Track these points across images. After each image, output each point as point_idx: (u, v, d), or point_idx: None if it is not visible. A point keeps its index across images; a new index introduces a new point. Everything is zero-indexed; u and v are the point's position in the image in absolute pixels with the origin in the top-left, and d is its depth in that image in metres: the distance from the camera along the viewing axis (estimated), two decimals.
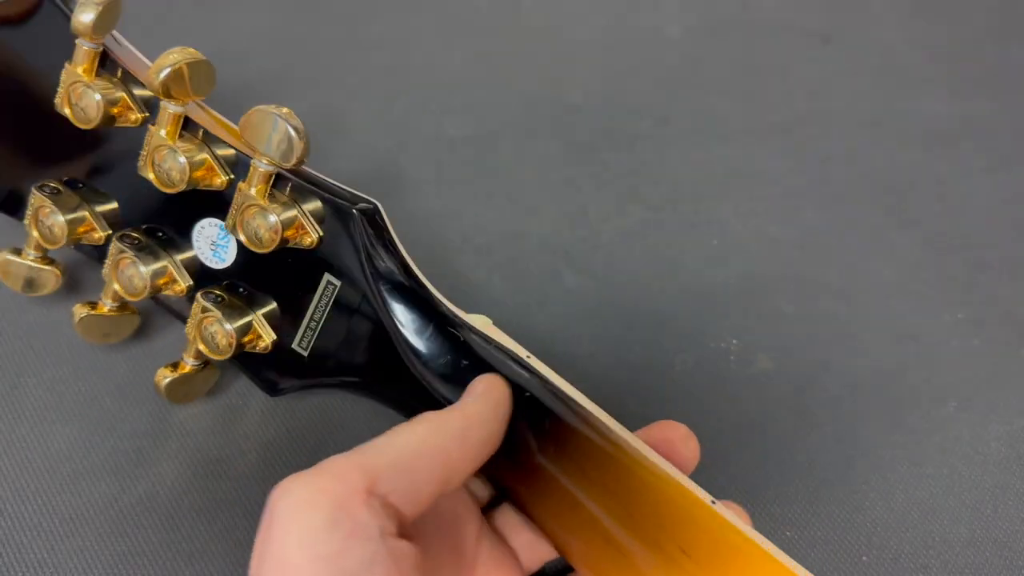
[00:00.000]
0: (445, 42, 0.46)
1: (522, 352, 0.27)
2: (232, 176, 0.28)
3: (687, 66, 0.44)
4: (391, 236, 0.28)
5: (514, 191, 0.40)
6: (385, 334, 0.28)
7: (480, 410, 0.25)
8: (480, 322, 0.28)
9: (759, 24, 0.46)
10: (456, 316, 0.28)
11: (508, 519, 0.29)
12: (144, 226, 0.31)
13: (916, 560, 0.31)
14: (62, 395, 0.33)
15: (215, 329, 0.29)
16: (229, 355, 0.29)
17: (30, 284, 0.32)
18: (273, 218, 0.27)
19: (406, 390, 0.28)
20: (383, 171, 0.41)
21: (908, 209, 0.40)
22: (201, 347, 0.30)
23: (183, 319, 0.31)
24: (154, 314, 0.35)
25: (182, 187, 0.28)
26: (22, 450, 0.32)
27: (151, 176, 0.28)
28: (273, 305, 0.30)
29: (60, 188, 0.31)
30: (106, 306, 0.31)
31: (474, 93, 0.44)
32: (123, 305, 0.32)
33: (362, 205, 0.28)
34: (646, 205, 0.40)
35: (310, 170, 0.29)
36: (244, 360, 0.31)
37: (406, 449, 0.23)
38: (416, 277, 0.28)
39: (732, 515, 0.24)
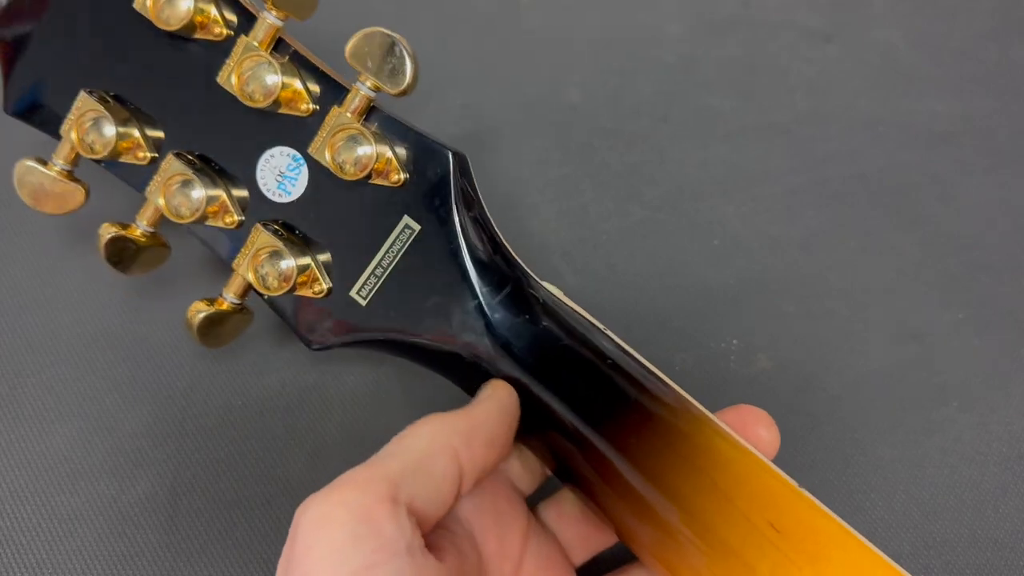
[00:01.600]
0: (443, 41, 0.46)
1: (598, 324, 0.26)
2: (317, 106, 0.27)
3: (687, 65, 0.44)
4: (477, 189, 0.27)
5: (513, 191, 0.40)
6: (460, 288, 0.27)
7: (486, 412, 0.25)
8: (552, 291, 0.27)
9: (759, 23, 0.46)
10: (534, 278, 0.27)
11: (555, 513, 0.28)
12: (197, 153, 0.29)
13: (917, 561, 0.31)
14: (61, 395, 0.33)
15: (271, 264, 0.27)
16: (280, 292, 0.27)
17: (47, 198, 0.29)
18: (366, 147, 0.26)
19: (468, 356, 0.27)
20: None
21: (908, 209, 0.40)
22: (252, 279, 0.28)
23: (218, 255, 0.29)
24: (154, 315, 0.35)
25: (264, 104, 0.27)
26: (21, 450, 0.32)
27: (234, 86, 0.27)
28: (328, 255, 0.28)
29: (108, 99, 0.28)
30: (139, 229, 0.29)
31: (473, 92, 0.44)
32: (155, 234, 0.29)
33: (455, 150, 0.27)
34: (646, 205, 0.40)
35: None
36: (287, 305, 0.29)
37: (418, 450, 0.23)
38: (497, 234, 0.27)
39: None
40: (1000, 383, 0.35)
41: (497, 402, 0.26)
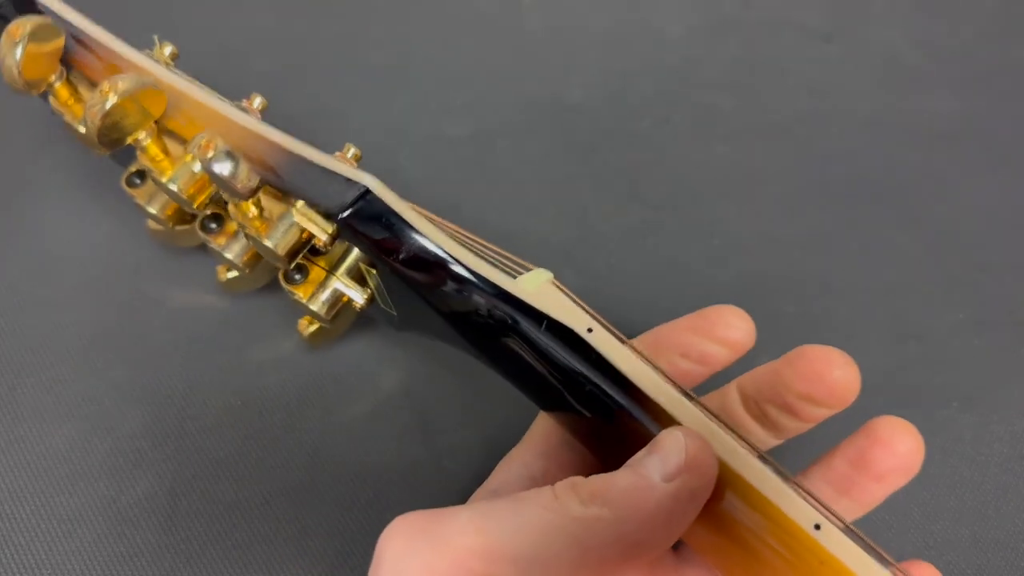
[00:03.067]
0: (444, 41, 0.46)
1: (582, 323, 0.24)
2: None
3: (688, 65, 0.44)
4: (394, 216, 0.27)
5: (514, 191, 0.40)
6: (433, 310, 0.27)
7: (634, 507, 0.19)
8: (542, 277, 0.26)
9: (760, 23, 0.46)
10: (496, 285, 0.25)
11: None
12: None
13: None
14: (60, 396, 0.33)
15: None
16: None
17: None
18: (269, 242, 0.28)
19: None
20: (382, 171, 0.41)
21: (909, 209, 0.40)
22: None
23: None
24: (153, 315, 0.35)
25: None
26: (20, 450, 0.31)
27: None
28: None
29: None
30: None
31: (474, 92, 0.44)
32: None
33: (343, 216, 0.27)
34: (646, 205, 0.40)
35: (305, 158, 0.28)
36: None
37: (538, 533, 0.19)
38: (433, 249, 0.26)
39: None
40: (1001, 383, 0.35)
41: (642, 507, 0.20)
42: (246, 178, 0.26)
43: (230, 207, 0.28)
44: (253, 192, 0.26)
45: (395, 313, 0.29)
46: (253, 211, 0.27)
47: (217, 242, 0.31)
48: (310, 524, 0.31)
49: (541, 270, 0.26)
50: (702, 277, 0.38)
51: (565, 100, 0.43)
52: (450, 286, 0.26)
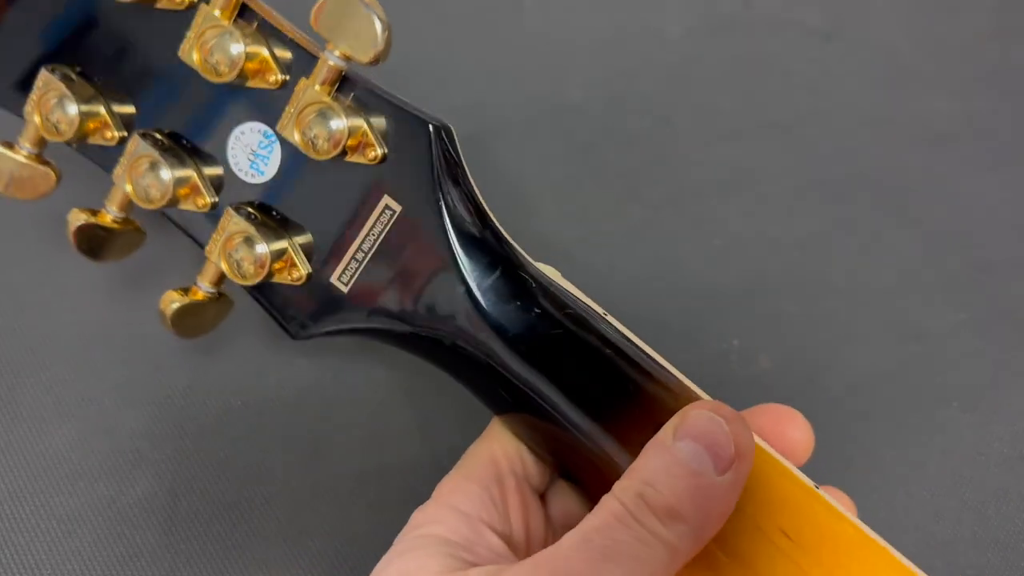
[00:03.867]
0: (444, 40, 0.46)
1: (598, 309, 0.25)
2: (287, 76, 0.25)
3: (688, 65, 0.44)
4: (463, 163, 0.26)
5: (513, 191, 0.40)
6: (447, 271, 0.25)
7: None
8: (548, 272, 0.26)
9: (760, 22, 0.46)
10: (527, 260, 0.25)
11: (561, 503, 0.27)
12: (167, 131, 0.27)
13: (918, 562, 0.31)
14: (60, 396, 0.33)
15: (245, 249, 0.26)
16: (255, 281, 0.26)
17: (17, 184, 0.27)
18: (337, 121, 0.24)
19: (459, 344, 0.25)
20: None
21: (909, 209, 0.40)
22: (225, 267, 0.26)
23: (195, 240, 0.28)
24: (152, 315, 0.35)
25: (229, 78, 0.25)
26: (20, 451, 0.31)
27: (195, 60, 0.25)
28: (308, 236, 0.26)
29: (73, 76, 0.27)
30: (109, 215, 0.27)
31: (475, 92, 0.44)
32: (127, 219, 0.28)
33: (438, 122, 0.25)
34: (646, 205, 0.40)
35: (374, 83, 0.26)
36: (267, 293, 0.27)
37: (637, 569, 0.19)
38: (486, 213, 0.25)
39: (837, 503, 0.22)
40: (1001, 383, 0.35)
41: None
42: None
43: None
44: None
45: (345, 290, 0.26)
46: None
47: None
48: (310, 524, 0.31)
49: (547, 267, 0.26)
50: (702, 277, 0.38)
51: (565, 100, 0.43)
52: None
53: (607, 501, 0.21)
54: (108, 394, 0.33)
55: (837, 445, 0.33)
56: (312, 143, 0.25)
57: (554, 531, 0.26)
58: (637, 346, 0.24)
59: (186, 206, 0.27)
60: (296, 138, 0.25)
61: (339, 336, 0.27)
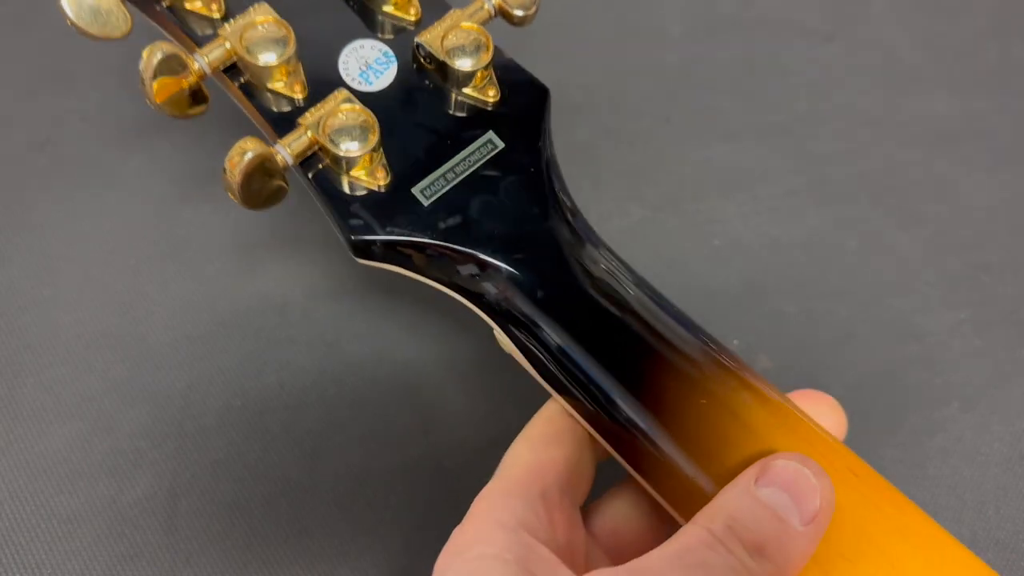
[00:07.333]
0: None
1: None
2: (421, 16, 0.29)
3: (688, 65, 0.44)
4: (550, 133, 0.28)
5: None
6: (532, 219, 0.26)
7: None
8: None
9: (760, 23, 0.46)
10: (598, 237, 0.28)
11: (602, 519, 0.26)
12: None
13: None
14: (60, 396, 0.33)
15: (342, 128, 0.25)
16: (341, 165, 0.25)
17: (93, 15, 0.25)
18: (485, 52, 0.27)
19: (520, 295, 0.25)
20: None
21: (909, 209, 0.40)
22: (320, 136, 0.25)
23: (278, 112, 0.26)
24: (152, 315, 0.35)
25: None
26: (20, 451, 0.31)
27: None
28: (399, 146, 0.27)
29: None
30: (197, 63, 0.26)
31: None
32: (204, 78, 0.26)
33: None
34: (646, 205, 0.40)
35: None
36: (336, 185, 0.26)
37: None
38: (563, 178, 0.28)
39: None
40: (1001, 383, 0.35)
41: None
42: None
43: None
44: None
45: (426, 203, 0.26)
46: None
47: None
48: (310, 524, 0.31)
49: None
50: (702, 277, 0.38)
51: (565, 100, 0.43)
52: None
53: (691, 528, 0.21)
54: (108, 394, 0.33)
55: None
56: (451, 55, 0.27)
57: (598, 547, 0.26)
58: (693, 323, 0.27)
59: (278, 87, 0.27)
60: (439, 47, 0.27)
61: (394, 254, 0.26)
